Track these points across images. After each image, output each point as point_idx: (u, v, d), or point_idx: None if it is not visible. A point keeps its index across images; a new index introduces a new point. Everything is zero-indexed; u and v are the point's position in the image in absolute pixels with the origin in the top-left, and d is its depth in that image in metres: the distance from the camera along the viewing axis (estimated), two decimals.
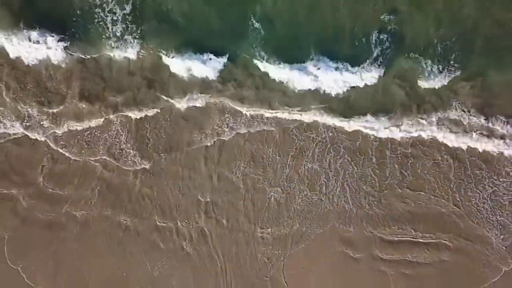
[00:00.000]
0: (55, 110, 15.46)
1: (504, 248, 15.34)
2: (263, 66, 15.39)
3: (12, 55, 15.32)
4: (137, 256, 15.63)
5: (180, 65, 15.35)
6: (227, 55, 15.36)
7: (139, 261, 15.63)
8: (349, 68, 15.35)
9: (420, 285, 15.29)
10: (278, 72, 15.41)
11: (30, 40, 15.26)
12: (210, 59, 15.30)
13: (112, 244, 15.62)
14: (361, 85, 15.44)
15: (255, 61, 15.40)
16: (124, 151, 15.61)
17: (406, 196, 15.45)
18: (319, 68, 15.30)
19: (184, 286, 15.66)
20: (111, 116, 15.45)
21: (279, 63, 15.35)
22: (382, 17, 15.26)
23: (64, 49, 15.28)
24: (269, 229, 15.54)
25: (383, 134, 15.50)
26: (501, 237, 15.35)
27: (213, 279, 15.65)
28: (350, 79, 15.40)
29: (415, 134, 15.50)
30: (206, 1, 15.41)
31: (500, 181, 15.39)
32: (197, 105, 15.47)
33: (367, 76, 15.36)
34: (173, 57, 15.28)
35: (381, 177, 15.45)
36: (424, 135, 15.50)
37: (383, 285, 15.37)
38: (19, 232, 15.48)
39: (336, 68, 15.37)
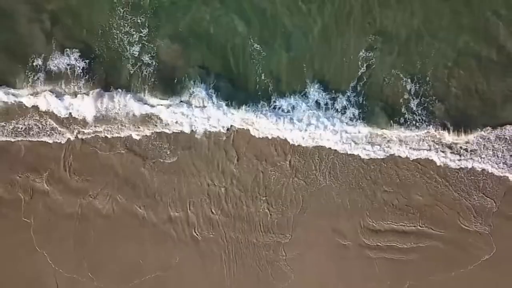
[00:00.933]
0: None
1: (486, 234, 17.26)
2: None
3: None
4: (153, 245, 17.74)
5: None
6: None
7: (154, 249, 17.71)
8: None
9: (402, 269, 17.20)
10: None
11: None
12: None
13: (130, 233, 17.80)
14: None
15: None
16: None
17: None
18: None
19: (193, 271, 17.74)
20: None
21: None
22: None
23: None
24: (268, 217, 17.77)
25: None
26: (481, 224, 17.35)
27: (218, 264, 17.71)
28: None
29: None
30: None
31: None
32: None
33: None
34: None
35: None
36: None
37: (369, 269, 17.32)
38: (45, 220, 17.60)
39: None
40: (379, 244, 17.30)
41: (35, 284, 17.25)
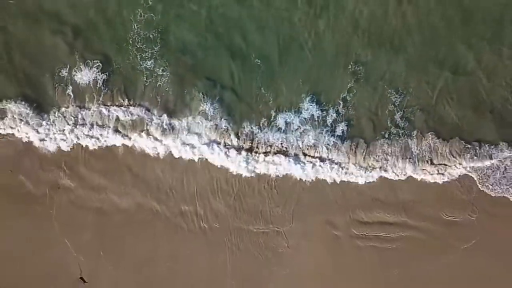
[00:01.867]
0: None
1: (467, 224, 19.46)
2: None
3: None
4: (165, 236, 19.86)
5: None
6: None
7: (166, 240, 19.84)
8: None
9: (389, 256, 19.40)
10: None
11: None
12: None
13: (144, 226, 19.92)
14: None
15: None
16: None
17: None
18: None
19: (201, 260, 19.81)
20: None
21: None
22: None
23: None
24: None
25: None
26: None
27: (223, 253, 19.80)
28: None
29: None
30: None
31: None
32: None
33: None
34: None
35: None
36: None
37: (360, 257, 19.52)
38: (68, 213, 19.65)
39: None
40: (366, 234, 19.56)
41: (60, 269, 19.33)
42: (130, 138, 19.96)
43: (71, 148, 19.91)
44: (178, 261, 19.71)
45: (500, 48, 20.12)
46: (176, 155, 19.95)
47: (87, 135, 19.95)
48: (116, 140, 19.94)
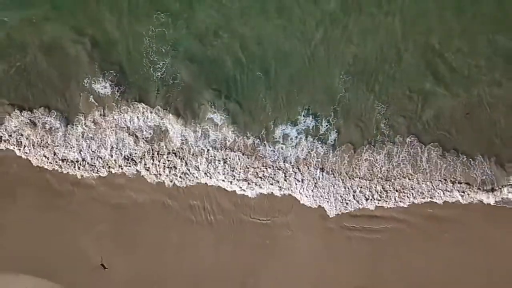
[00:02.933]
0: None
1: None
2: None
3: None
4: (176, 228, 22.18)
5: None
6: None
7: (176, 231, 22.16)
8: None
9: (376, 245, 21.60)
10: None
11: None
12: None
13: (157, 219, 22.28)
14: None
15: None
16: None
17: None
18: None
19: (208, 251, 22.13)
20: None
21: None
22: None
23: None
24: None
25: None
26: None
27: (230, 245, 22.16)
28: None
29: None
30: None
31: None
32: None
33: None
34: None
35: None
36: None
37: (351, 246, 21.74)
38: (90, 207, 22.15)
39: None
40: (355, 226, 21.92)
41: (84, 256, 21.68)
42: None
43: None
44: (185, 249, 21.97)
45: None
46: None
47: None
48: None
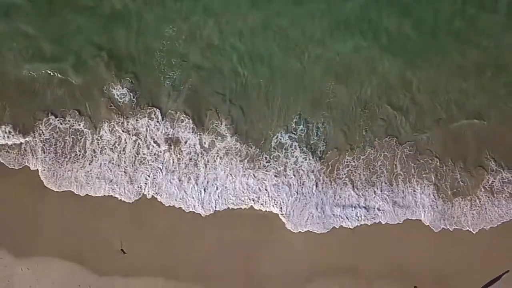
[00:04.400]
0: None
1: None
2: None
3: None
4: (186, 220, 25.30)
5: None
6: None
7: (183, 221, 25.26)
8: None
9: (361, 233, 24.91)
10: None
11: None
12: None
13: (170, 212, 25.46)
14: None
15: None
16: None
17: None
18: None
19: (210, 238, 25.20)
20: None
21: None
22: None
23: None
24: None
25: None
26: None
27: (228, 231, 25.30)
28: None
29: None
30: None
31: None
32: None
33: None
34: None
35: None
36: None
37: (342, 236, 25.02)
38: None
39: None
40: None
41: (105, 242, 24.88)
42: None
43: None
44: (192, 238, 25.09)
45: None
46: None
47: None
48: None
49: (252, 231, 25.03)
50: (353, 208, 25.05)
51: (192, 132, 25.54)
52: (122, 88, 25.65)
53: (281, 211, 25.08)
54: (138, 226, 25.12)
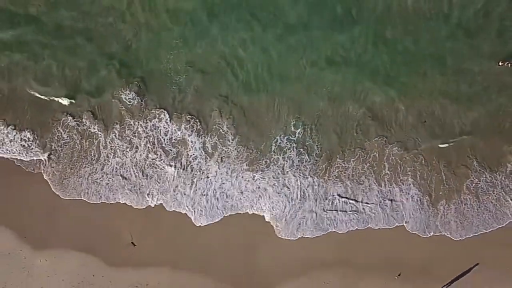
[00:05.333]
0: None
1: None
2: None
3: None
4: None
5: None
6: None
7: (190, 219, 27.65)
8: None
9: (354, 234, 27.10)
10: None
11: None
12: None
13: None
14: None
15: None
16: None
17: None
18: None
19: (216, 233, 27.55)
20: None
21: None
22: None
23: None
24: None
25: None
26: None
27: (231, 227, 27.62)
28: None
29: None
30: None
31: None
32: None
33: None
34: None
35: None
36: None
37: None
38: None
39: None
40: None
41: (118, 236, 27.10)
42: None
43: None
44: (195, 233, 27.31)
45: None
46: None
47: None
48: None
49: (252, 227, 27.23)
50: (346, 213, 27.16)
51: (197, 133, 27.55)
52: (130, 93, 27.54)
53: (275, 219, 27.19)
54: (147, 221, 27.32)
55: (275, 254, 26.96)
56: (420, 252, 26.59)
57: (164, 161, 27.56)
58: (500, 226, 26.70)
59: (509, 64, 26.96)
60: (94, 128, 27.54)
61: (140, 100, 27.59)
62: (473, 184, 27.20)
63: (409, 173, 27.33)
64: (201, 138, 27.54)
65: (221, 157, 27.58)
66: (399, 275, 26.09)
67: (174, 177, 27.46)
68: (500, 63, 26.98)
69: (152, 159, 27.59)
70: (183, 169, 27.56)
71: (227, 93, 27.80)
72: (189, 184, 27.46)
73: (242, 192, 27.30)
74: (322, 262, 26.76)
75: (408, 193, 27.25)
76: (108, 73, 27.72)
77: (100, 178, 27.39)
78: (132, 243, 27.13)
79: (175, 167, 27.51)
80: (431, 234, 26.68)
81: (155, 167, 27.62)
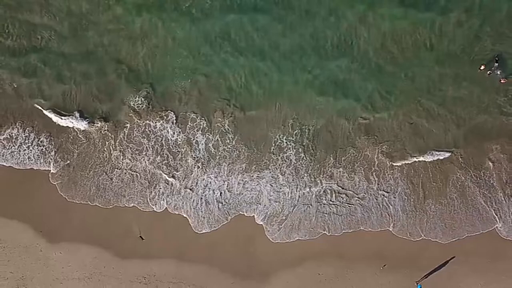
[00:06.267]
0: None
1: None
2: None
3: None
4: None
5: None
6: None
7: None
8: None
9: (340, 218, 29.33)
10: None
11: None
12: None
13: None
14: None
15: None
16: None
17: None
18: None
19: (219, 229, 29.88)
20: None
21: None
22: None
23: None
24: None
25: None
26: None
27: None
28: None
29: None
30: None
31: None
32: None
33: None
34: None
35: None
36: None
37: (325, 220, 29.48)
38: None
39: None
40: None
41: (127, 230, 29.23)
42: None
43: None
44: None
45: None
46: None
47: None
48: None
49: (251, 221, 29.38)
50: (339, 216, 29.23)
51: (201, 131, 29.77)
52: (139, 97, 29.74)
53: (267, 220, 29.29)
54: (154, 217, 29.48)
55: (272, 247, 29.07)
56: (403, 245, 28.87)
57: (170, 163, 29.74)
58: (486, 231, 28.58)
59: (488, 73, 29.40)
60: (104, 132, 29.78)
61: (147, 104, 29.75)
62: (459, 183, 29.09)
63: (397, 172, 29.51)
64: (205, 136, 29.65)
65: (222, 156, 29.68)
66: (384, 266, 28.45)
67: (180, 178, 29.63)
68: (482, 67, 29.45)
69: (159, 162, 29.70)
70: (188, 171, 29.73)
71: (228, 97, 30.08)
72: (193, 185, 29.61)
73: (239, 194, 29.47)
74: (316, 254, 28.92)
75: (396, 192, 29.36)
76: (117, 77, 29.98)
77: (108, 182, 29.56)
78: (140, 237, 29.16)
79: (180, 169, 29.76)
80: (420, 238, 28.62)
81: (162, 169, 29.76)
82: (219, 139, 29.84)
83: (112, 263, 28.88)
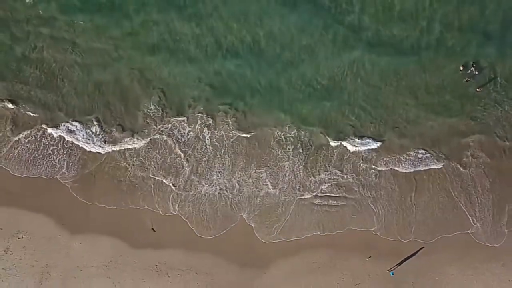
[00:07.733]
0: None
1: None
2: None
3: None
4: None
5: None
6: None
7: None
8: None
9: (337, 214, 32.63)
10: None
11: None
12: None
13: None
14: None
15: None
16: None
17: None
18: None
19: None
20: None
21: None
22: None
23: None
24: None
25: None
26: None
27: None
28: None
29: None
30: None
31: None
32: None
33: None
34: None
35: None
36: None
37: (320, 215, 32.70)
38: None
39: None
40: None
41: (140, 222, 32.23)
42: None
43: None
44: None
45: None
46: None
47: None
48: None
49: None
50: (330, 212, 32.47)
51: (207, 127, 32.88)
52: (151, 103, 32.79)
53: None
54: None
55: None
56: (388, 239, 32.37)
57: (182, 160, 32.90)
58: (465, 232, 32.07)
59: (466, 79, 32.54)
60: (120, 135, 32.90)
61: (161, 110, 32.81)
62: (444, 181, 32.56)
63: (384, 166, 32.85)
64: (210, 131, 32.62)
65: (225, 151, 32.83)
66: (369, 257, 31.79)
67: (187, 174, 32.78)
68: (461, 68, 32.37)
69: (170, 162, 32.84)
70: (195, 171, 32.95)
71: (231, 102, 33.13)
72: (202, 184, 32.92)
73: (240, 191, 32.77)
74: (310, 245, 32.09)
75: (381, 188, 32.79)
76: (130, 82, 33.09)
77: (124, 184, 32.61)
78: (152, 229, 31.98)
79: (189, 165, 32.94)
80: (407, 240, 31.93)
81: (174, 169, 32.93)
82: (223, 132, 33.14)
83: (127, 252, 31.77)
